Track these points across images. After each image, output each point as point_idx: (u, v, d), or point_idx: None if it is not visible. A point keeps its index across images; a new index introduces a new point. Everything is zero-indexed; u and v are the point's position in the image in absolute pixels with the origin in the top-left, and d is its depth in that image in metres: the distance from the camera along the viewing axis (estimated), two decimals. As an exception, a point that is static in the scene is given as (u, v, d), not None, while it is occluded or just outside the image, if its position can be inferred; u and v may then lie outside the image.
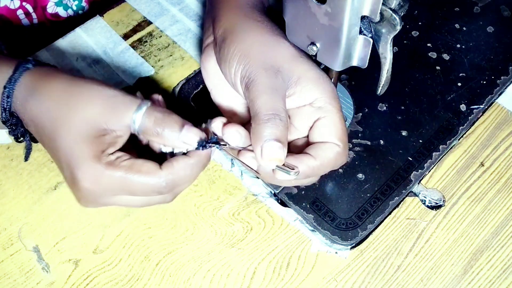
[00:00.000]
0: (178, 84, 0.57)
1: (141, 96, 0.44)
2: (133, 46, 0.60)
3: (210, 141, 0.42)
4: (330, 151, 0.42)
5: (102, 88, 0.42)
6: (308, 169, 0.41)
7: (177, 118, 0.42)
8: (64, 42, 0.60)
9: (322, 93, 0.43)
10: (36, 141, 0.47)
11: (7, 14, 0.63)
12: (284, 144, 0.40)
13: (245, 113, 0.48)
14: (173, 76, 0.58)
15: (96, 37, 0.60)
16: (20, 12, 0.64)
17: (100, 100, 0.41)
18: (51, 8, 0.66)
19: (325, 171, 0.43)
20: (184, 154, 0.43)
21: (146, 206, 0.45)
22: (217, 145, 0.42)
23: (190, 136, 0.41)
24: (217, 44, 0.47)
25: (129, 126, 0.42)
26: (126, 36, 0.61)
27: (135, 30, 0.61)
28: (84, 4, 0.69)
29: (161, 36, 0.61)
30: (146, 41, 0.60)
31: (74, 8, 0.68)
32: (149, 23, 0.62)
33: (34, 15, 0.65)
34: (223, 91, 0.48)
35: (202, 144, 0.42)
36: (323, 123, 0.43)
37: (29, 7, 0.64)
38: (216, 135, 0.43)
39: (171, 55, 0.59)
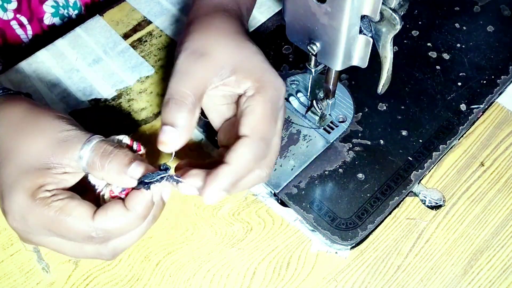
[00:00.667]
0: (178, 84, 0.57)
1: (129, 140, 0.40)
2: (133, 45, 0.60)
3: (155, 176, 0.37)
4: (242, 148, 0.38)
5: (58, 122, 0.40)
6: (227, 180, 0.38)
7: (128, 152, 0.38)
8: (64, 42, 0.60)
9: (254, 82, 0.40)
10: None
11: (1, 25, 0.62)
12: (178, 128, 0.38)
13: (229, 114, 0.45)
14: (173, 76, 0.58)
15: (96, 37, 0.60)
16: (13, 23, 0.62)
17: (52, 134, 0.39)
18: (47, 19, 0.65)
19: (249, 169, 0.39)
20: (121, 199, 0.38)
21: (81, 257, 0.42)
22: (162, 179, 0.38)
23: (139, 171, 0.37)
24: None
25: (77, 162, 0.39)
26: (126, 36, 0.61)
27: (135, 30, 0.61)
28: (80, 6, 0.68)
29: (161, 36, 0.61)
30: (146, 41, 0.60)
31: (73, 16, 0.67)
32: (149, 22, 0.62)
33: (28, 27, 0.63)
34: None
35: (145, 182, 0.37)
36: (244, 113, 0.40)
37: (24, 19, 0.62)
38: (164, 169, 0.38)
39: (171, 55, 0.59)
